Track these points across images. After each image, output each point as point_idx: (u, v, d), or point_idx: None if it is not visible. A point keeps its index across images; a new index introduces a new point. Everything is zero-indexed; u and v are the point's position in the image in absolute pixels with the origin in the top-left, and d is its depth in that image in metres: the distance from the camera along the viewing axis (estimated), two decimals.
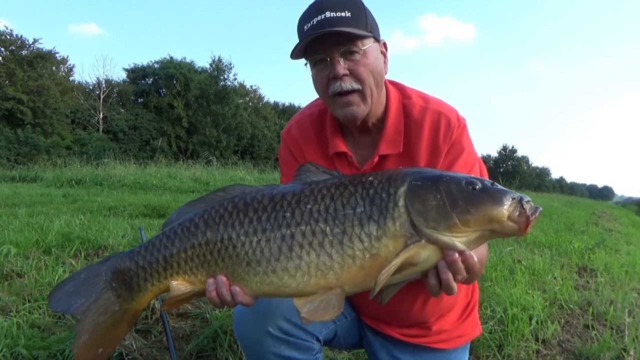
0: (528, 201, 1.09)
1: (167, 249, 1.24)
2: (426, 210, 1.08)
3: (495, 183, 1.13)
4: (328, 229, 1.12)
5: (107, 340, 1.28)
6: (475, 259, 1.10)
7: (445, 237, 1.07)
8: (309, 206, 1.14)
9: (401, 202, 1.10)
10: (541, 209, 1.11)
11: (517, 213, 1.07)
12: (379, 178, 1.17)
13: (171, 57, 40.93)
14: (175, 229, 1.25)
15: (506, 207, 1.07)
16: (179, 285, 1.23)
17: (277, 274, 1.14)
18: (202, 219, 1.23)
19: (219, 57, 36.36)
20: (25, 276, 3.18)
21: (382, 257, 1.09)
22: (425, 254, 1.09)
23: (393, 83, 1.61)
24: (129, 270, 1.27)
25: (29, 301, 2.72)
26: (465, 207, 1.07)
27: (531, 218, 1.07)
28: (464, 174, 1.18)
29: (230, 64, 36.96)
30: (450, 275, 1.10)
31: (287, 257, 1.13)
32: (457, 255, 1.08)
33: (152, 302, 2.60)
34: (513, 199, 1.08)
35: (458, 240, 1.08)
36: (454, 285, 1.12)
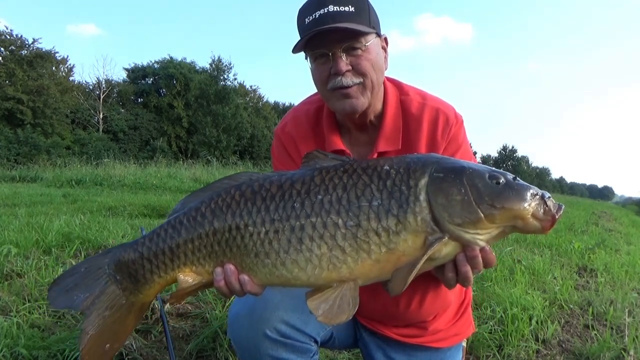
0: (549, 197, 1.07)
1: (173, 239, 1.19)
2: (450, 205, 1.04)
3: (517, 177, 1.11)
4: (341, 221, 1.07)
5: (114, 336, 1.24)
6: (493, 253, 1.09)
7: (469, 235, 1.05)
8: (319, 196, 1.10)
9: (422, 196, 1.06)
10: (564, 206, 1.09)
11: (542, 211, 1.05)
12: (396, 167, 1.11)
13: (171, 57, 40.96)
14: (181, 219, 1.20)
15: (532, 204, 1.05)
16: (187, 277, 1.20)
17: (287, 267, 1.10)
18: (208, 207, 1.18)
19: (219, 57, 36.34)
20: (25, 276, 3.17)
21: (399, 251, 1.06)
22: (445, 250, 1.07)
23: (390, 80, 1.59)
24: (133, 262, 1.22)
25: (29, 301, 2.72)
26: (491, 202, 1.04)
27: (557, 216, 1.05)
28: (483, 165, 1.15)
29: (230, 64, 36.95)
30: (469, 268, 1.09)
31: (297, 250, 1.09)
32: (477, 250, 1.07)
33: (152, 303, 2.61)
34: (536, 195, 1.06)
35: (481, 237, 1.06)
36: (472, 277, 1.12)
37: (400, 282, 1.06)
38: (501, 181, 1.07)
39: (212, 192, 1.22)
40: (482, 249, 1.08)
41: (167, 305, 2.72)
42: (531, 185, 1.09)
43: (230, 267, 1.15)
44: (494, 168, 1.13)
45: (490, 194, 1.05)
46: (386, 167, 1.12)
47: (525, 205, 1.04)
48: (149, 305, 1.31)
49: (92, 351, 1.21)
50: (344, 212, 1.08)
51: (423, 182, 1.07)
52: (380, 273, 1.09)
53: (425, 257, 1.04)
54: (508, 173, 1.11)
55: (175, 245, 1.19)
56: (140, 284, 1.23)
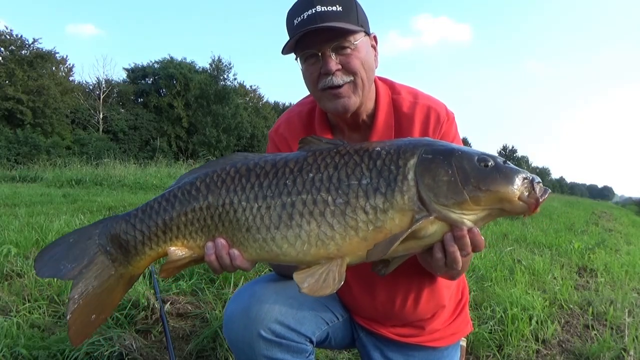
0: (538, 182, 1.08)
1: (167, 212, 1.21)
2: (437, 185, 1.07)
3: (507, 161, 1.12)
4: (330, 198, 1.10)
5: (101, 306, 1.24)
6: (482, 236, 1.10)
7: (455, 215, 1.06)
8: (311, 175, 1.13)
9: (410, 176, 1.08)
10: (550, 190, 1.10)
11: (527, 193, 1.06)
12: (387, 148, 1.14)
13: (171, 57, 41.02)
14: (175, 192, 1.22)
15: (518, 187, 1.06)
16: (177, 250, 1.21)
17: (277, 243, 1.13)
18: (203, 182, 1.20)
19: (219, 57, 36.39)
20: (25, 276, 3.18)
21: (386, 229, 1.07)
22: (432, 229, 1.08)
23: (382, 79, 1.60)
24: (125, 233, 1.23)
25: (29, 301, 2.72)
26: (477, 184, 1.06)
27: (541, 200, 1.06)
28: (474, 149, 1.16)
29: (230, 64, 37.00)
30: (456, 248, 1.10)
31: (286, 226, 1.11)
32: (465, 230, 1.08)
33: (152, 303, 2.61)
34: (525, 178, 1.07)
35: (467, 218, 1.07)
36: (460, 258, 1.12)
37: (380, 251, 1.07)
38: (489, 164, 1.09)
39: (207, 169, 1.25)
40: (470, 230, 1.08)
41: (167, 305, 2.73)
42: (520, 169, 1.10)
43: (221, 241, 1.18)
44: (485, 152, 1.14)
45: (477, 176, 1.07)
46: (377, 149, 1.14)
47: (512, 188, 1.06)
48: (137, 278, 1.32)
49: (78, 320, 1.21)
50: (334, 190, 1.10)
51: (412, 162, 1.10)
52: (367, 251, 1.10)
53: (409, 230, 1.05)
54: (499, 157, 1.12)
55: (169, 218, 1.21)
56: (131, 256, 1.24)
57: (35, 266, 1.26)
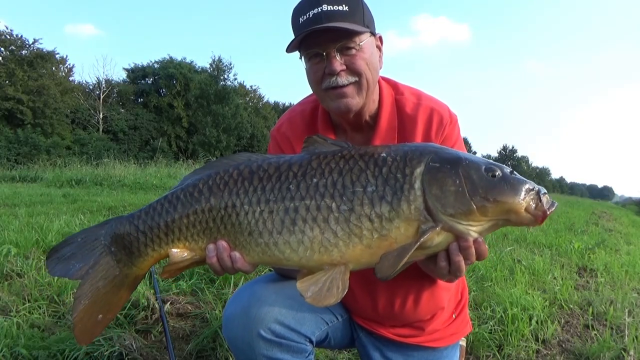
0: (545, 193, 1.08)
1: (169, 214, 1.21)
2: (444, 195, 1.05)
3: (514, 171, 1.11)
4: (334, 205, 1.08)
5: (107, 306, 1.25)
6: (486, 245, 1.10)
7: (461, 226, 1.06)
8: (315, 180, 1.11)
9: (417, 185, 1.07)
10: (557, 203, 1.10)
11: (535, 206, 1.06)
12: (393, 155, 1.12)
13: (171, 57, 40.99)
14: (178, 194, 1.22)
15: (526, 199, 1.05)
16: (179, 252, 1.21)
17: (279, 247, 1.12)
18: (206, 184, 1.20)
19: (219, 57, 36.41)
20: (25, 276, 3.18)
21: (391, 238, 1.07)
22: (438, 239, 1.08)
23: (385, 79, 1.60)
24: (128, 234, 1.24)
25: (29, 301, 2.72)
26: (485, 195, 1.05)
27: (548, 212, 1.06)
28: (481, 158, 1.16)
29: (230, 64, 37.02)
30: (461, 258, 1.10)
31: (289, 231, 1.10)
32: (471, 241, 1.08)
33: (152, 303, 2.61)
34: (531, 190, 1.07)
35: (473, 229, 1.07)
36: (464, 267, 1.12)
37: (389, 266, 1.06)
38: (497, 174, 1.08)
39: (210, 170, 1.24)
40: (475, 241, 1.08)
41: (167, 305, 2.73)
42: (527, 180, 1.09)
43: (223, 243, 1.18)
44: (492, 161, 1.13)
45: (485, 187, 1.06)
46: (383, 154, 1.13)
47: (519, 199, 1.05)
48: (142, 278, 1.33)
49: (84, 320, 1.23)
50: (338, 197, 1.09)
51: (419, 170, 1.08)
52: (371, 259, 1.09)
53: (417, 245, 1.04)
54: (506, 167, 1.11)
55: (171, 219, 1.21)
56: (134, 257, 1.25)
57: (47, 264, 1.28)
